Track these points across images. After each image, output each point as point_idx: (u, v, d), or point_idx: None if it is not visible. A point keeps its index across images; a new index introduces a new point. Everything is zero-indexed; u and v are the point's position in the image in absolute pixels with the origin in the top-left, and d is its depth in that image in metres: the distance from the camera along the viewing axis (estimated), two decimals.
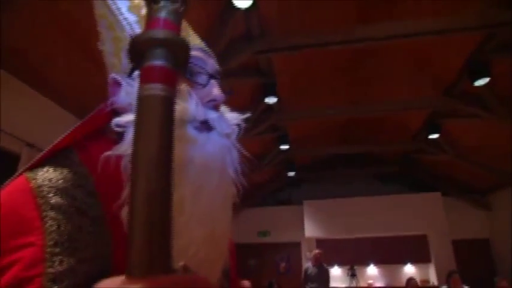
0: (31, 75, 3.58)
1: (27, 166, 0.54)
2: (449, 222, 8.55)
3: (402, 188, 9.55)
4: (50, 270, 0.44)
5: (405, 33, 4.33)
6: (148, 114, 0.33)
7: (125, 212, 0.48)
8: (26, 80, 3.59)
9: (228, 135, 0.61)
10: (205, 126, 0.58)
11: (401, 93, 6.01)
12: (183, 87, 0.58)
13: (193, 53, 0.62)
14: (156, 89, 0.33)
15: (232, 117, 0.66)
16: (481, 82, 4.87)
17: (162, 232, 0.31)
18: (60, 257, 0.45)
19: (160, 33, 0.35)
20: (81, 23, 3.06)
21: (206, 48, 0.67)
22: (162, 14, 0.37)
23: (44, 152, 0.55)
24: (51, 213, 0.47)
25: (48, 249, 0.45)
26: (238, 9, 3.87)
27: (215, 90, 0.62)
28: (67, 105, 4.03)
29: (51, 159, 0.54)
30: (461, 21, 4.14)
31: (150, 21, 0.37)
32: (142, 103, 0.34)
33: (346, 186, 9.68)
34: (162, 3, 0.37)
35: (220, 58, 4.43)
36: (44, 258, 0.44)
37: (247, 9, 3.92)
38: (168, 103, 0.34)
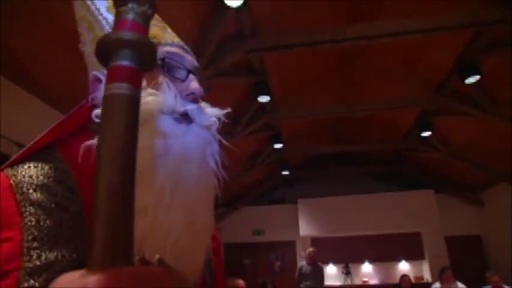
0: (22, 75, 3.56)
1: (7, 163, 0.55)
2: (442, 219, 8.62)
3: (396, 186, 9.61)
4: (28, 264, 0.44)
5: (396, 32, 4.36)
6: (113, 112, 0.34)
7: None
8: (15, 80, 3.56)
9: (208, 128, 0.62)
10: (185, 118, 0.59)
11: (393, 92, 6.05)
12: (162, 79, 0.59)
13: (172, 49, 0.65)
14: (122, 88, 0.35)
15: (213, 112, 0.67)
16: (471, 80, 4.91)
17: (124, 225, 0.32)
18: (38, 252, 0.45)
19: (127, 34, 0.37)
20: (74, 24, 3.04)
21: (184, 46, 0.69)
22: (130, 16, 0.38)
23: (24, 149, 0.56)
24: (31, 209, 0.48)
25: (26, 244, 0.45)
26: (230, 8, 3.88)
27: (193, 84, 0.63)
28: (59, 106, 4.01)
29: (33, 156, 0.55)
30: (450, 20, 4.17)
31: (118, 22, 0.38)
32: (108, 101, 0.35)
33: (340, 184, 9.72)
34: (130, 6, 0.38)
35: (212, 57, 4.44)
36: (22, 253, 0.45)
37: (238, 8, 3.93)
38: (133, 102, 0.35)
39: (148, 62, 0.39)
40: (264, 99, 5.60)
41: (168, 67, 0.62)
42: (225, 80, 5.03)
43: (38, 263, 0.45)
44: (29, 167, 0.53)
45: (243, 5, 3.83)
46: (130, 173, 0.34)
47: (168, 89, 0.59)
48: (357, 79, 5.91)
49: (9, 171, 0.52)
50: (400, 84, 5.84)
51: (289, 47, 4.62)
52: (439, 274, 5.16)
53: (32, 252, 0.45)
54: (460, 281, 5.02)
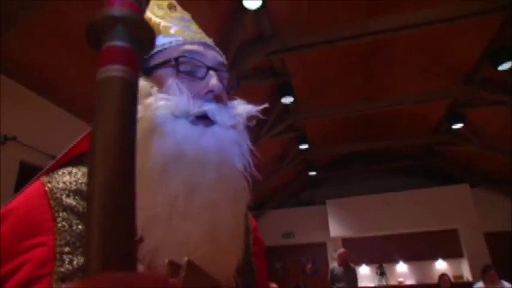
0: (48, 88, 3.68)
1: (43, 170, 0.57)
2: (480, 214, 8.24)
3: (428, 181, 9.29)
4: (60, 269, 0.45)
5: (419, 23, 4.23)
6: (106, 97, 0.31)
7: None
8: (43, 93, 3.69)
9: (233, 127, 0.59)
10: (204, 119, 0.56)
11: (419, 85, 5.86)
12: (172, 81, 0.57)
13: (192, 47, 0.63)
14: (113, 70, 0.32)
15: (245, 108, 0.64)
16: (505, 66, 4.70)
17: (121, 224, 0.28)
18: (70, 256, 0.46)
19: (116, 11, 0.33)
20: None
21: (207, 42, 0.67)
22: None
23: (59, 156, 0.58)
24: (64, 214, 0.50)
25: (59, 249, 0.47)
26: (248, 10, 3.87)
27: (212, 81, 0.60)
28: (86, 117, 4.12)
29: (68, 163, 0.58)
30: (476, 5, 4.00)
31: (107, 1, 0.36)
32: (100, 86, 0.32)
33: (369, 183, 9.51)
34: None
35: (234, 62, 4.45)
36: (54, 258, 0.46)
37: (257, 10, 3.92)
38: (127, 84, 0.32)
39: (143, 42, 0.36)
40: (287, 100, 5.57)
41: (184, 66, 0.60)
42: (247, 84, 5.03)
43: (70, 268, 0.45)
44: (63, 173, 0.55)
45: (261, 6, 3.82)
46: (129, 163, 0.31)
47: (178, 91, 0.56)
48: (381, 74, 5.77)
49: (44, 179, 0.54)
50: (427, 77, 5.66)
51: (310, 46, 4.57)
52: (482, 273, 4.91)
53: (64, 257, 0.46)
54: (505, 280, 4.75)
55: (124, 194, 0.29)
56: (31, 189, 0.54)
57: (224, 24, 4.08)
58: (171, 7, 0.69)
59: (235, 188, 0.56)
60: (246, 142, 0.60)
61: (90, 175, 0.30)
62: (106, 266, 0.27)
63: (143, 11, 0.38)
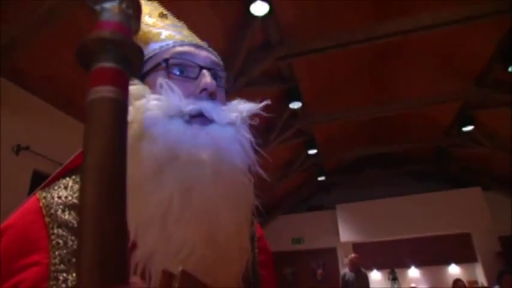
0: (62, 99, 3.74)
1: (41, 186, 0.56)
2: (493, 218, 8.08)
3: (439, 185, 9.15)
4: None
5: (429, 25, 4.20)
6: (97, 117, 0.32)
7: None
8: (56, 104, 3.75)
9: (231, 124, 0.57)
10: (201, 118, 0.54)
11: (429, 88, 5.80)
12: (162, 81, 0.56)
13: (183, 49, 0.62)
14: (104, 91, 0.32)
15: (246, 107, 0.62)
16: None
17: (112, 245, 0.29)
18: (64, 275, 0.44)
19: (106, 33, 0.34)
20: None
21: (199, 43, 0.66)
22: (107, 16, 0.36)
23: (57, 171, 0.57)
24: (59, 231, 0.48)
25: (53, 268, 0.45)
26: (256, 17, 3.89)
27: (205, 79, 0.58)
28: None
29: (65, 177, 0.56)
30: (486, 6, 3.96)
31: (97, 23, 0.36)
32: (91, 107, 0.32)
33: (379, 187, 9.40)
34: (104, 5, 0.37)
35: (242, 68, 4.46)
36: (48, 277, 0.44)
37: (264, 17, 3.93)
38: (117, 105, 0.33)
39: (132, 62, 0.36)
40: (295, 105, 5.56)
41: (175, 67, 0.59)
42: (255, 90, 5.03)
43: (64, 287, 0.44)
44: (59, 187, 0.53)
45: (268, 13, 3.84)
46: (119, 181, 0.31)
47: (170, 91, 0.55)
48: (391, 77, 5.73)
49: (41, 194, 0.53)
50: (437, 79, 5.61)
51: (318, 51, 4.56)
52: (497, 278, 4.81)
53: (58, 275, 0.44)
54: None
55: (114, 209, 0.30)
56: (27, 205, 0.52)
57: (232, 31, 4.10)
58: (162, 16, 0.68)
59: (236, 188, 0.53)
60: (247, 140, 0.58)
61: (81, 193, 0.30)
62: (99, 282, 0.27)
63: (132, 32, 0.39)
